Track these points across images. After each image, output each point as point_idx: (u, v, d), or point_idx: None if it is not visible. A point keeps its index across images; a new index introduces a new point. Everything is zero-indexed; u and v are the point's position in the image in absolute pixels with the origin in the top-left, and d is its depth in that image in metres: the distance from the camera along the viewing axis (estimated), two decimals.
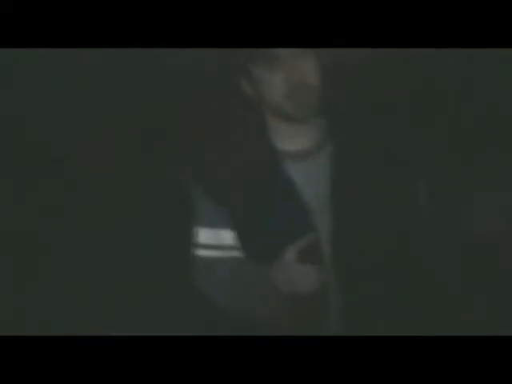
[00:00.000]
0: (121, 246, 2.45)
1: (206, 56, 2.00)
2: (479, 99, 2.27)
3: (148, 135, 2.45)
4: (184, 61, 2.29)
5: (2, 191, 2.42)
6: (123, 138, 2.44)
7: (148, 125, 2.45)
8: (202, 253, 1.76)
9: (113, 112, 2.46)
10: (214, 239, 1.73)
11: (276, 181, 1.67)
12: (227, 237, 1.72)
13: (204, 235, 1.75)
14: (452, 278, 1.85)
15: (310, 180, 1.67)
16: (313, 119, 1.67)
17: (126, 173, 2.46)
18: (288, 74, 1.60)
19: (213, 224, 1.73)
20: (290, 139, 1.69)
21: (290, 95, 1.60)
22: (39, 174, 2.45)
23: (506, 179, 2.22)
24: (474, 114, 2.26)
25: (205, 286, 1.76)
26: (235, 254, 1.72)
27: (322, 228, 1.66)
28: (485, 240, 2.09)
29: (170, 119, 2.41)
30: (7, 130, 2.44)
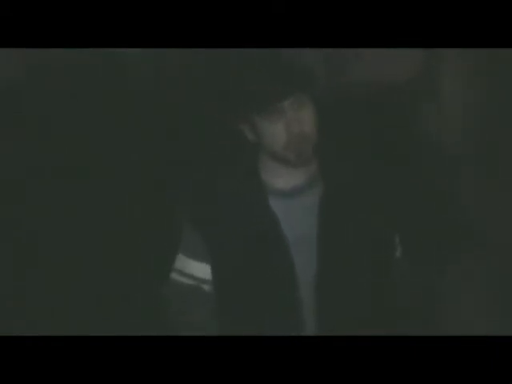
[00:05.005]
0: (121, 246, 2.45)
1: None
2: None
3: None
4: None
5: (2, 192, 2.43)
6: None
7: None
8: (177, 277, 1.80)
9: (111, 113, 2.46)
10: (192, 268, 1.77)
11: (264, 217, 1.71)
12: (203, 268, 1.76)
13: (185, 263, 1.78)
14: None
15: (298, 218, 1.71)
16: (307, 164, 1.71)
17: (126, 172, 2.47)
18: (288, 125, 1.64)
19: (194, 253, 1.76)
20: (284, 179, 1.73)
21: (290, 144, 1.65)
22: (40, 175, 2.45)
23: None
24: None
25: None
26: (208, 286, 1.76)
27: (305, 266, 1.69)
28: None
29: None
30: (8, 129, 2.44)
